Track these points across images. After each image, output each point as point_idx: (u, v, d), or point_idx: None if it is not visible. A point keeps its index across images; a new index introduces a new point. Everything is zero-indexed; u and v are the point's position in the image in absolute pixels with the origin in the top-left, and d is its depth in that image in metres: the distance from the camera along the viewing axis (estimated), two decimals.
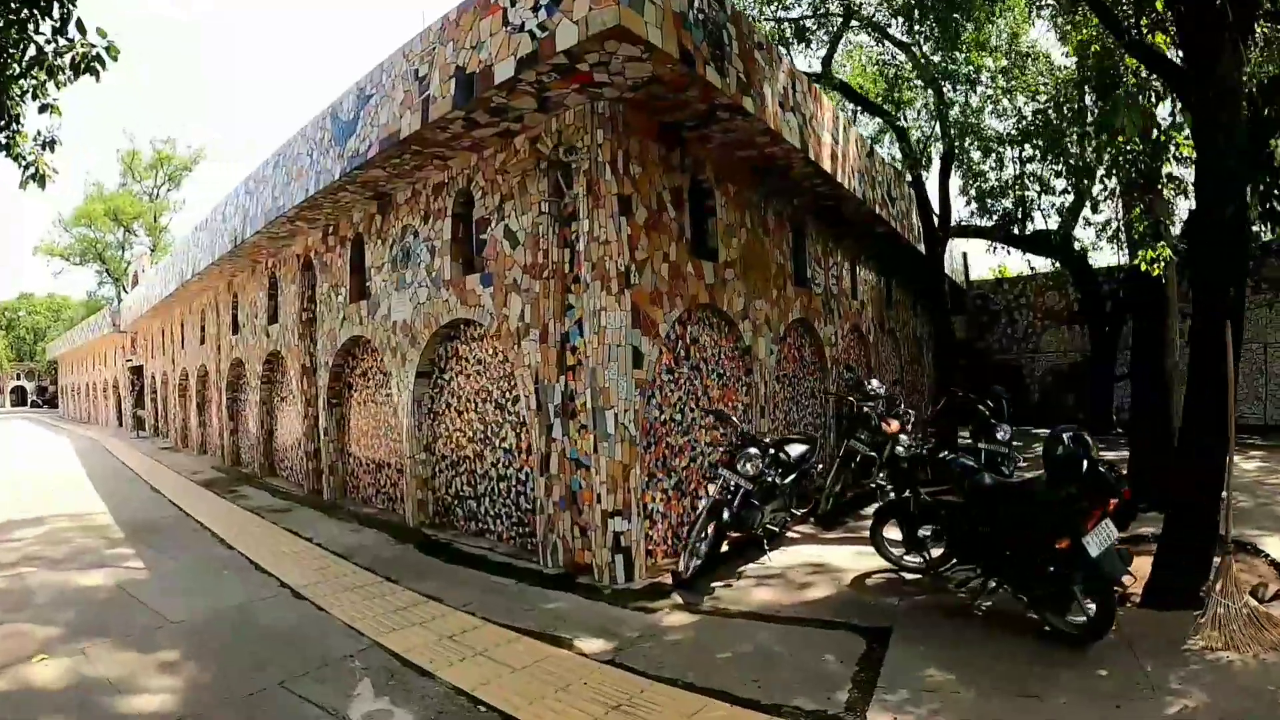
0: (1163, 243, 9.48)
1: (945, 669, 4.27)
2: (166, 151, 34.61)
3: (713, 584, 6.14)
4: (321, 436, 10.89)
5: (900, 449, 6.70)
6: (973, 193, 17.80)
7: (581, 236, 6.47)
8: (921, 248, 15.15)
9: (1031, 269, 20.40)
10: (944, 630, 4.90)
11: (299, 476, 12.09)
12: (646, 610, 5.60)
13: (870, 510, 8.45)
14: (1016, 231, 17.61)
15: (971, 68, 15.51)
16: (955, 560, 5.47)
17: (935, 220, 15.96)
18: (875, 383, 9.90)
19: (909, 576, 6.08)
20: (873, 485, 8.40)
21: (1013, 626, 4.85)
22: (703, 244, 7.97)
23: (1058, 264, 17.76)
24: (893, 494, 6.53)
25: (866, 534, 6.66)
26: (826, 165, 9.12)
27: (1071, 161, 15.07)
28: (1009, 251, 17.02)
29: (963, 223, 17.44)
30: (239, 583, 6.42)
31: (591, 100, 6.34)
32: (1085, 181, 15.60)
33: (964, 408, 9.21)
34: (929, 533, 5.91)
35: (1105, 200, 17.04)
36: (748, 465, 6.35)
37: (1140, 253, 9.19)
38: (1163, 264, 9.36)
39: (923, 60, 15.58)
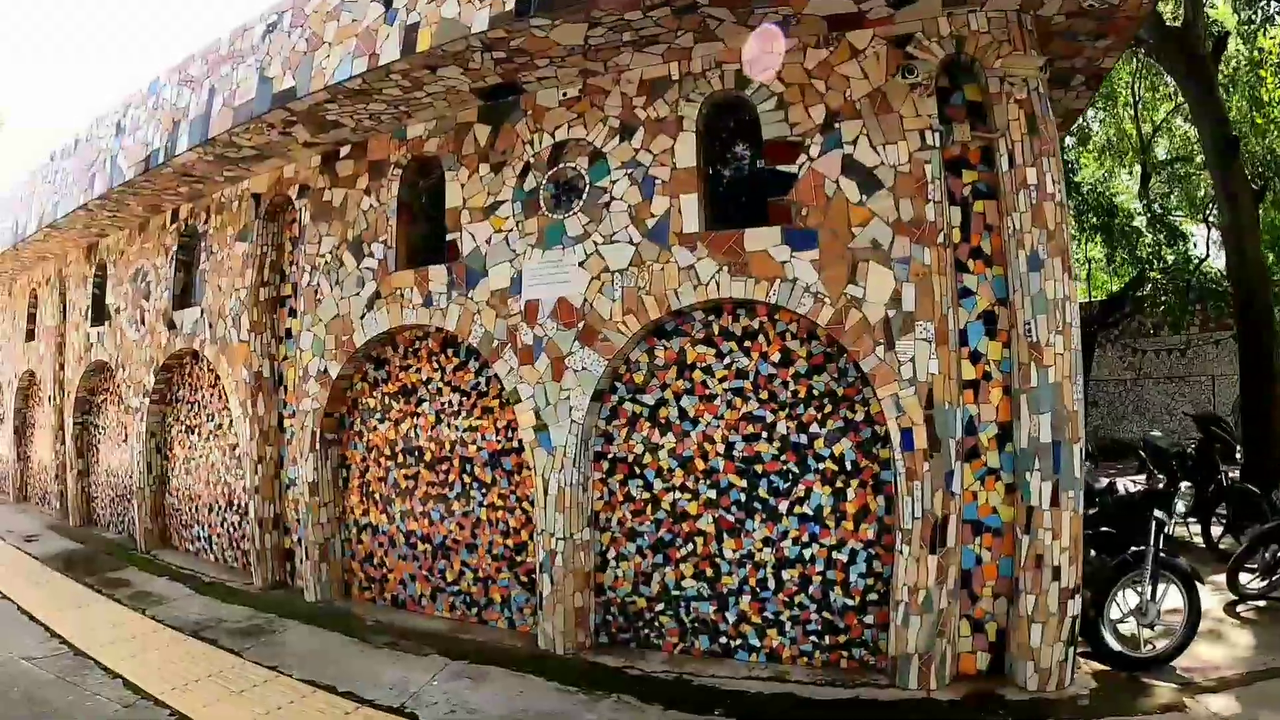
0: None
1: None
2: None
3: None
4: (302, 494, 6.01)
5: None
6: None
7: (1023, 190, 3.97)
8: None
9: None
10: None
11: (231, 553, 6.95)
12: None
13: None
14: None
15: None
16: None
17: None
18: None
19: (1261, 603, 5.26)
20: None
21: None
22: None
23: None
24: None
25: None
26: None
27: None
28: None
29: None
30: None
31: (1024, 10, 4.04)
32: None
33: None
34: None
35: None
36: (1181, 505, 4.80)
37: None
38: None
39: None
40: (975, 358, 4.10)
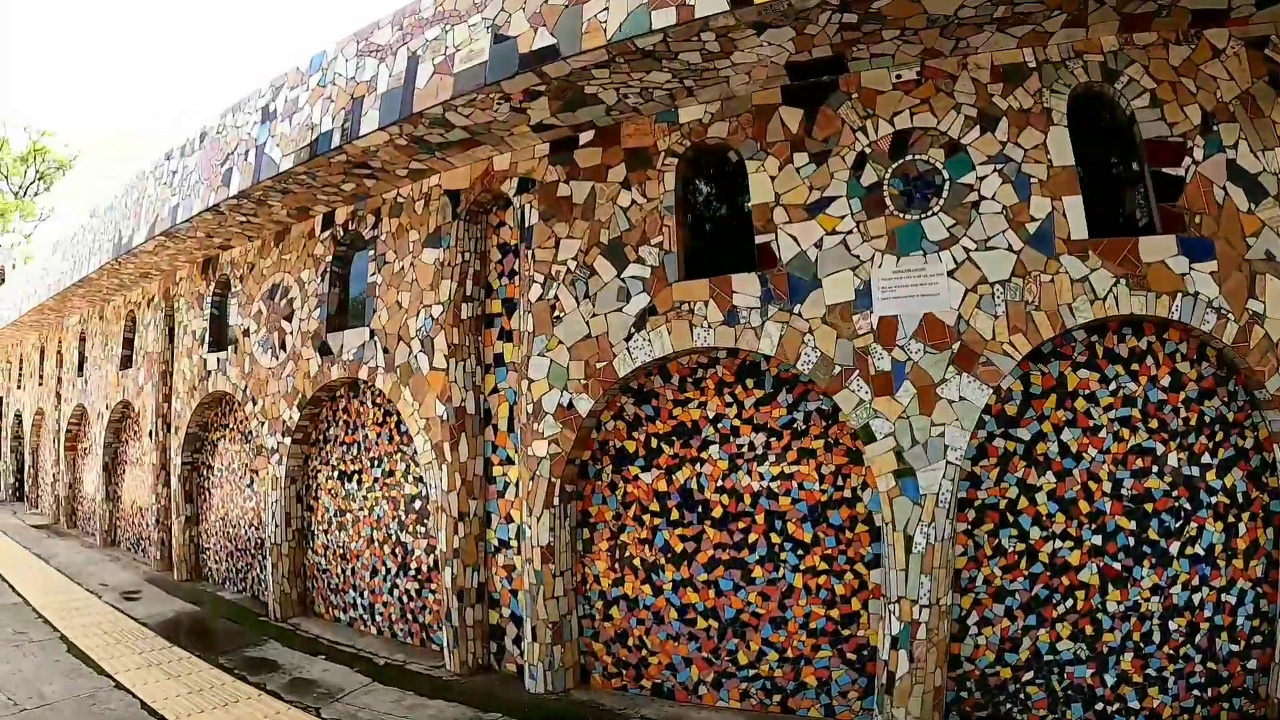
0: None
1: None
2: (44, 145, 23.57)
3: None
4: (528, 560, 4.61)
5: None
6: None
7: None
8: None
9: None
10: None
11: (403, 626, 5.49)
12: None
13: None
14: None
15: None
16: None
17: None
18: None
19: None
20: None
21: None
22: None
23: None
24: None
25: None
26: None
27: None
28: None
29: None
30: None
31: None
32: None
33: None
34: None
35: None
36: None
37: None
38: None
39: None
40: None
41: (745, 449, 4.22)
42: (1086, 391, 3.81)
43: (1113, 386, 3.79)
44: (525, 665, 4.60)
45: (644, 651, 4.46)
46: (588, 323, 4.45)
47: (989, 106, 3.83)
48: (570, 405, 4.47)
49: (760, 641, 4.17)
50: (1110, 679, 3.76)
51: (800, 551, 4.10)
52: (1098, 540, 3.77)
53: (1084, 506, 3.79)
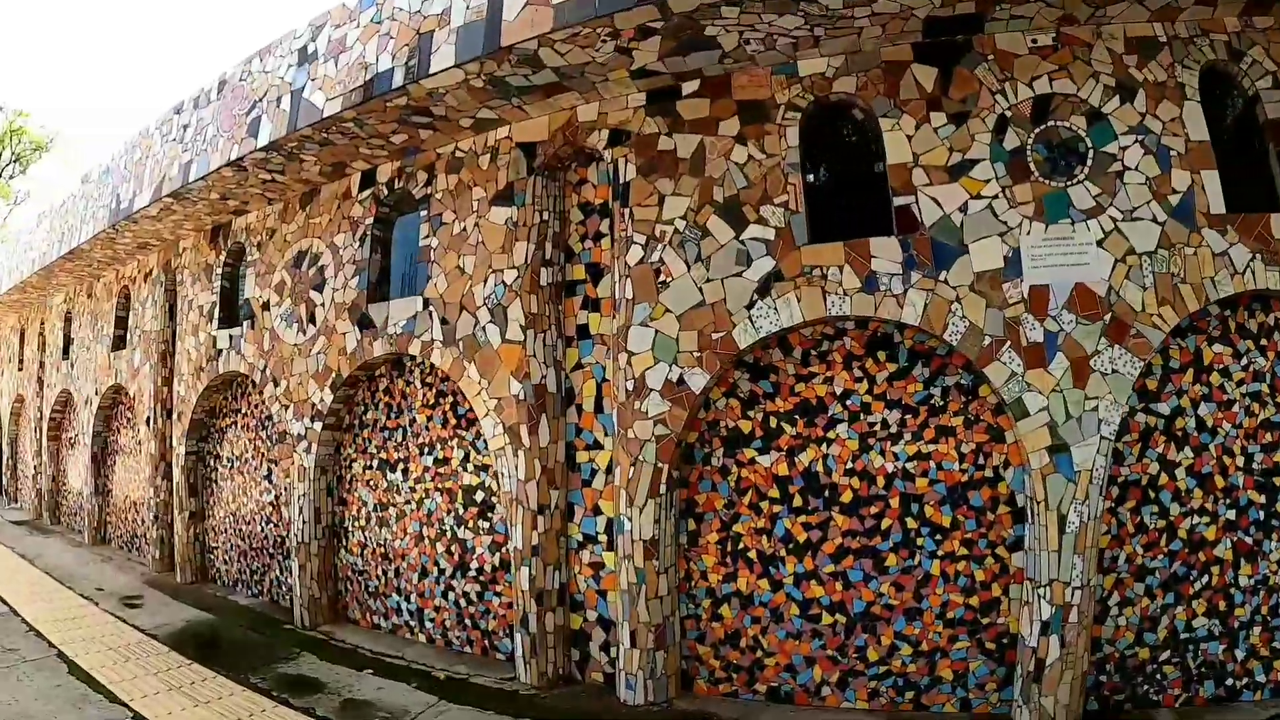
0: None
1: None
2: (21, 125, 22.10)
3: None
4: (628, 556, 4.16)
5: None
6: None
7: None
8: None
9: None
10: None
11: (459, 634, 4.95)
12: None
13: None
14: None
15: None
16: None
17: None
18: None
19: None
20: None
21: None
22: None
23: None
24: None
25: None
26: None
27: None
28: None
29: None
30: None
31: None
32: None
33: None
34: None
35: None
36: None
37: None
38: None
39: None
40: None
41: (878, 427, 3.85)
42: (1220, 366, 3.73)
43: (1244, 361, 3.75)
44: (620, 673, 4.13)
45: (758, 653, 4.05)
46: (700, 289, 4.00)
47: (1126, 77, 3.70)
48: (681, 380, 4.01)
49: (892, 635, 3.85)
50: (1240, 654, 3.70)
51: (938, 536, 3.79)
52: (1231, 515, 3.71)
53: (1219, 481, 3.71)
